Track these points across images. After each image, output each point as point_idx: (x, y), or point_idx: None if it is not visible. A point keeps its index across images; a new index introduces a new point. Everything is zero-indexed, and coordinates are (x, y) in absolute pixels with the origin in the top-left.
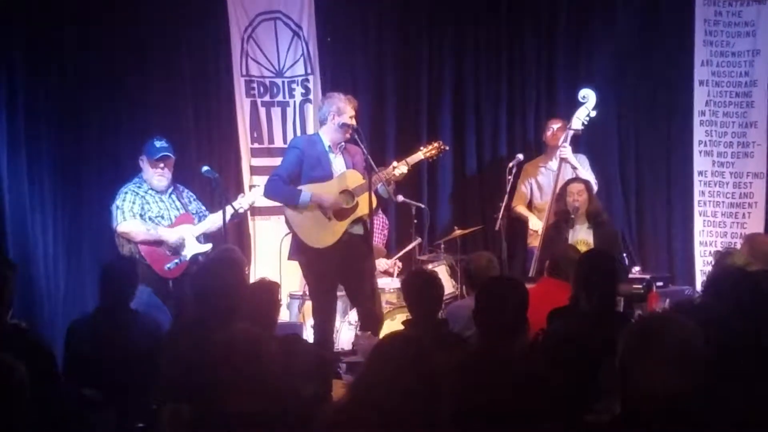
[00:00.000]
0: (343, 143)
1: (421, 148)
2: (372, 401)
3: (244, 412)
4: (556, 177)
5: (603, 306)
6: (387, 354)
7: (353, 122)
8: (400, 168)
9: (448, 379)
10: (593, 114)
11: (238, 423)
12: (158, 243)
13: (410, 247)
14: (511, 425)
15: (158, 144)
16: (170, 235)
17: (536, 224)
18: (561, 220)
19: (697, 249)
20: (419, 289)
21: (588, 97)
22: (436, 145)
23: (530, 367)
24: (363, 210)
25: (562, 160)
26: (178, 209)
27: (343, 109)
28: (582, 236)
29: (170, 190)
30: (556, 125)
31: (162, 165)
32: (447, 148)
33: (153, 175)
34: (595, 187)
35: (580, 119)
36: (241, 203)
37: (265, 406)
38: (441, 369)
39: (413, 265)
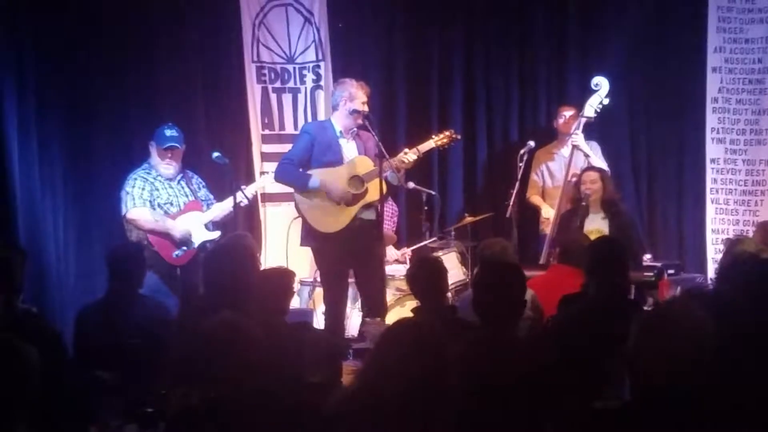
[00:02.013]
0: (354, 129)
1: (433, 136)
2: (381, 387)
3: (248, 398)
4: (567, 164)
5: (614, 293)
6: (396, 340)
7: (365, 108)
8: (409, 155)
9: (457, 365)
10: (606, 102)
11: (244, 409)
12: (165, 232)
13: (423, 244)
14: (518, 411)
15: (168, 133)
16: (177, 229)
17: (548, 212)
18: (574, 207)
19: (709, 237)
20: (426, 276)
21: (601, 84)
22: (447, 133)
23: (536, 353)
24: (373, 196)
25: (574, 147)
26: (187, 196)
27: (355, 95)
28: (596, 225)
29: (179, 177)
30: (568, 112)
31: (169, 155)
32: (459, 137)
33: (160, 163)
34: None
35: (592, 107)
36: (251, 190)
37: (271, 393)
38: (451, 355)
39: (422, 253)
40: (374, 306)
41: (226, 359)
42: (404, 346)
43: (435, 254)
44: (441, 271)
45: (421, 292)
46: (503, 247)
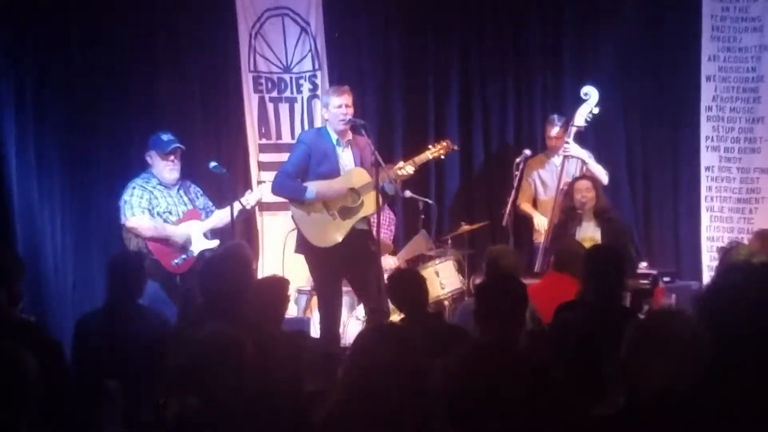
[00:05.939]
0: (351, 136)
1: (429, 147)
2: (359, 393)
3: (246, 406)
4: (559, 173)
5: (609, 300)
6: (366, 346)
7: (341, 111)
8: (406, 168)
9: (447, 371)
10: (596, 111)
11: (242, 417)
12: (165, 239)
13: (416, 254)
14: (516, 418)
15: (165, 137)
16: (177, 234)
17: (539, 222)
18: (568, 216)
19: (704, 244)
20: (403, 288)
21: (590, 94)
22: (444, 144)
23: (534, 360)
24: (369, 209)
25: (566, 157)
26: (185, 204)
27: (330, 102)
28: (589, 233)
29: (178, 186)
30: (555, 126)
31: (173, 158)
32: (456, 147)
33: (164, 168)
34: (606, 178)
35: (582, 116)
36: (249, 199)
37: (268, 401)
38: (432, 360)
39: (420, 261)
40: (374, 315)
41: (217, 369)
42: (375, 351)
43: (432, 262)
44: (418, 281)
45: (401, 303)
46: (517, 259)
